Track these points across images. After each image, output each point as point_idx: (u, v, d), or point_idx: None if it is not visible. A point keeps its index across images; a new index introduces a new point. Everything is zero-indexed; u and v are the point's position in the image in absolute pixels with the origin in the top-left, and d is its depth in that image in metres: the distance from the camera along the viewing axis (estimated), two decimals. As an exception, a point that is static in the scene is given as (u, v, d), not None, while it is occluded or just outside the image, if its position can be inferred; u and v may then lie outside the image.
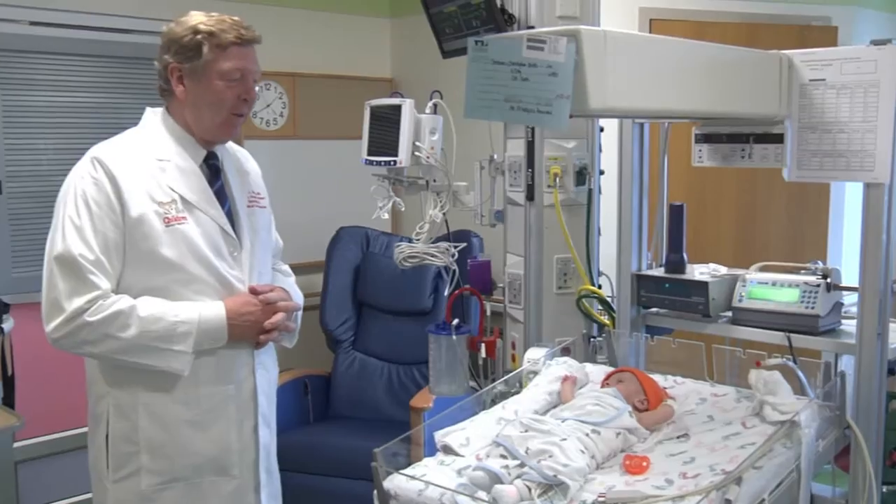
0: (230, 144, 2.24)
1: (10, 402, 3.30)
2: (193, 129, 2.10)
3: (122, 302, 1.94)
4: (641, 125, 2.40)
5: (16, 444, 3.84)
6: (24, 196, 3.84)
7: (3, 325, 3.30)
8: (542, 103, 1.53)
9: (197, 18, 2.05)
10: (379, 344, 4.29)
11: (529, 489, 1.57)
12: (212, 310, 2.02)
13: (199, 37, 2.01)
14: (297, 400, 4.12)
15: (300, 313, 2.31)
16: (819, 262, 2.30)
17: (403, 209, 2.40)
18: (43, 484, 3.93)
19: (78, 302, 1.90)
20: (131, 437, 2.03)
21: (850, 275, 2.20)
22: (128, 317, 1.93)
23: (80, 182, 1.98)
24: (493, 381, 2.56)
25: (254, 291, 2.12)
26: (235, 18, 2.07)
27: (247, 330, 2.08)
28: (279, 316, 2.14)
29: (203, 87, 2.04)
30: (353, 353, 4.31)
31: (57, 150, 3.95)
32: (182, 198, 2.04)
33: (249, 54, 2.08)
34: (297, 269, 2.39)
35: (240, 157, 2.28)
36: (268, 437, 2.24)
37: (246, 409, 2.16)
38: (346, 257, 4.35)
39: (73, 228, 1.93)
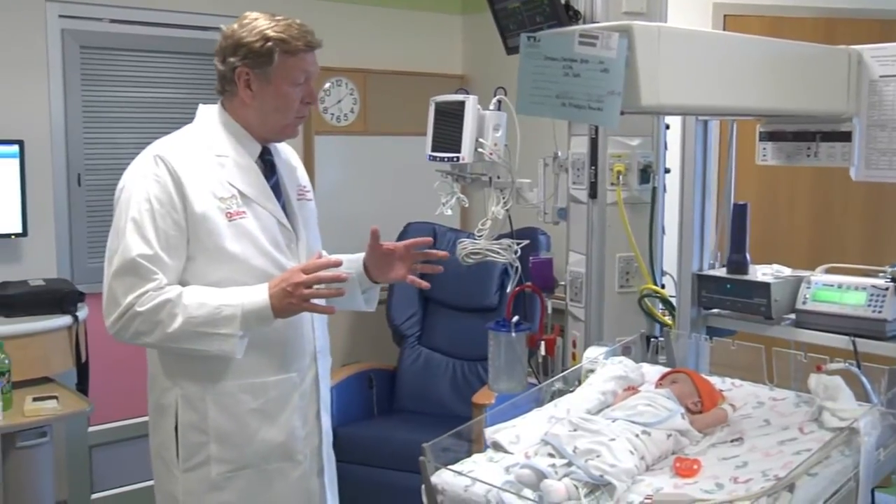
0: None
1: (83, 389, 3.41)
2: (256, 130, 2.14)
3: (171, 291, 1.98)
4: (705, 123, 2.35)
5: (90, 429, 3.97)
6: (101, 189, 3.96)
7: (78, 314, 3.41)
8: (594, 100, 1.52)
9: (263, 23, 2.06)
10: (444, 339, 4.31)
11: (577, 488, 1.55)
12: (256, 291, 2.01)
13: (270, 44, 2.03)
14: (362, 393, 4.16)
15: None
16: (897, 264, 2.22)
17: (467, 205, 2.40)
18: (116, 468, 4.06)
19: (132, 296, 1.96)
20: (201, 426, 2.08)
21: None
22: (174, 305, 1.96)
23: (142, 181, 2.02)
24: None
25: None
26: (298, 22, 2.10)
27: (286, 296, 1.99)
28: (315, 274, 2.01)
29: (272, 91, 2.08)
30: (418, 348, 4.34)
31: (134, 144, 3.98)
32: (241, 193, 2.09)
33: (314, 59, 2.12)
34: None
35: (287, 152, 2.31)
36: (328, 422, 2.31)
37: (310, 396, 2.22)
38: (414, 253, 4.37)
39: (134, 227, 1.99)
